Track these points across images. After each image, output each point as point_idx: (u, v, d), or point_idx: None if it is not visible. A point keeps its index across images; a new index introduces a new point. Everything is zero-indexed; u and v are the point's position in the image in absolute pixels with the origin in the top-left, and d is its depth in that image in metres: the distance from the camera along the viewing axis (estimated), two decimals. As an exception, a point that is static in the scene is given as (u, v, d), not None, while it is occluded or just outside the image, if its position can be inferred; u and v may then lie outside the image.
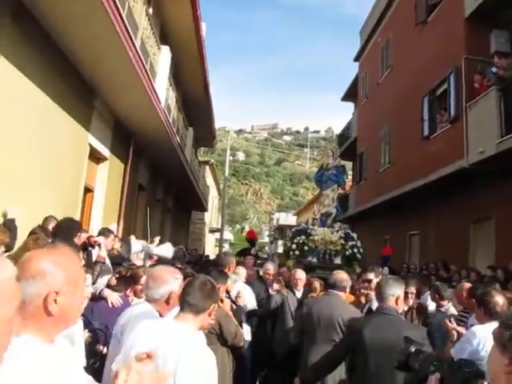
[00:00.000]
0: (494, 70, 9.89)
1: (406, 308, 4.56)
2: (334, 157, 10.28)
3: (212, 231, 38.24)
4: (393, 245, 13.69)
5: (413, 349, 1.82)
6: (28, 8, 5.14)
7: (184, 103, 14.47)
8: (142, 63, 6.98)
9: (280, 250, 47.43)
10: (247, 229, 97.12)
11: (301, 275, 5.62)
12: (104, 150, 8.54)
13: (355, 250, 9.02)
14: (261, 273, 6.52)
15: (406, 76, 14.83)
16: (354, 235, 9.39)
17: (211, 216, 36.69)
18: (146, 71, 7.23)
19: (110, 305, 3.56)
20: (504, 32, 10.87)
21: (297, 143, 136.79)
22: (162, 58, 9.00)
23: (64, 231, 4.88)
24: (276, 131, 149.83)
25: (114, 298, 3.61)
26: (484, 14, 10.68)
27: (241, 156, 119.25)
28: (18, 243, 4.41)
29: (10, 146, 5.23)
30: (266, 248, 65.87)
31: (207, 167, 28.30)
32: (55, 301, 1.22)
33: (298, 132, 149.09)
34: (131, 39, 6.20)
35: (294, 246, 8.86)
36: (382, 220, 16.80)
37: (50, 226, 5.28)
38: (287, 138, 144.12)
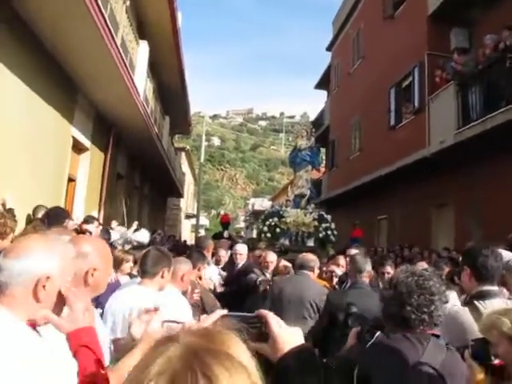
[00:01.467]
0: (453, 65, 10.57)
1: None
2: (308, 137, 9.96)
3: (188, 217, 38.59)
4: (363, 229, 14.46)
5: (353, 310, 2.45)
6: (19, 13, 5.50)
7: (160, 92, 14.76)
8: (123, 59, 7.37)
9: (254, 235, 48.24)
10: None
11: (271, 257, 5.56)
12: (85, 141, 8.91)
13: (329, 232, 8.80)
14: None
15: (375, 67, 15.45)
16: (328, 217, 9.17)
17: (187, 202, 37.01)
18: (126, 67, 7.62)
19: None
20: (463, 30, 11.58)
21: (272, 128, 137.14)
22: (141, 53, 9.37)
23: (53, 219, 5.37)
24: (251, 116, 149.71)
25: None
26: (445, 13, 11.34)
27: (216, 141, 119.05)
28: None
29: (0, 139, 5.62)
30: (242, 233, 66.67)
31: (183, 154, 28.56)
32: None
33: (273, 117, 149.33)
34: (113, 38, 6.60)
35: (265, 229, 8.70)
36: (353, 205, 17.56)
37: (40, 214, 5.75)
38: (262, 123, 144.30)
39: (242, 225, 71.37)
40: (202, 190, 34.61)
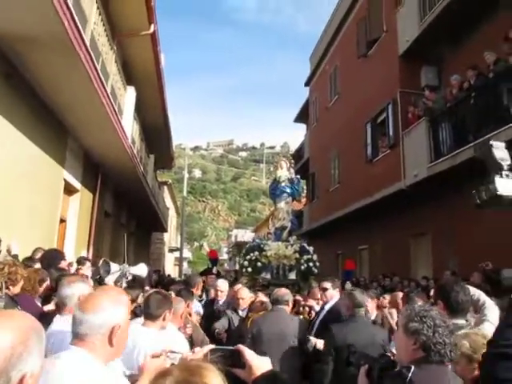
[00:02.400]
0: (425, 101, 11.24)
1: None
2: (288, 168, 9.77)
3: (171, 250, 38.55)
4: (345, 259, 14.85)
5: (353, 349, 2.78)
6: (18, 69, 5.88)
7: (145, 132, 15.18)
8: (113, 107, 7.76)
9: (237, 267, 48.16)
10: (206, 246, 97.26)
11: (243, 294, 5.50)
12: (76, 183, 9.19)
13: (311, 264, 8.60)
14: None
15: (351, 103, 16.15)
16: (310, 249, 8.97)
17: (170, 235, 37.06)
18: (115, 113, 8.01)
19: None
20: (432, 68, 12.32)
21: (253, 159, 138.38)
22: (128, 97, 9.79)
23: (49, 260, 5.67)
24: (232, 147, 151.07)
25: None
26: (415, 53, 12.10)
27: (197, 173, 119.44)
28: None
29: (2, 186, 5.91)
30: (226, 265, 66.28)
31: (165, 187, 28.84)
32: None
33: (253, 148, 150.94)
34: (105, 90, 7.00)
35: (246, 263, 8.56)
36: (335, 236, 17.97)
37: (38, 256, 6.03)
38: (243, 153, 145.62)
39: (225, 256, 71.11)
40: (184, 222, 34.74)
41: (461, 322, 2.79)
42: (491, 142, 2.92)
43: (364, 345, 3.42)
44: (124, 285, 6.74)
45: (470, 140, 9.03)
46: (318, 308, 5.23)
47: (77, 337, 1.71)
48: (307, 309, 5.38)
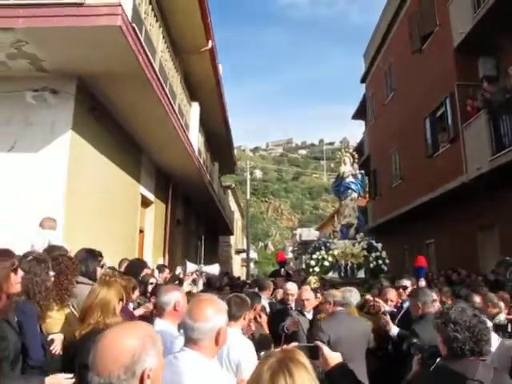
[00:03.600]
0: (483, 94, 11.13)
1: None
2: (352, 163, 9.48)
3: (238, 252, 39.63)
4: (412, 254, 14.86)
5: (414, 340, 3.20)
6: (100, 102, 6.72)
7: (208, 142, 16.00)
8: (181, 124, 8.49)
9: (304, 265, 48.39)
10: (270, 246, 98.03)
11: (308, 295, 5.38)
12: (150, 196, 10.05)
13: (380, 262, 8.33)
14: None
15: (408, 99, 16.11)
16: (379, 245, 8.69)
17: (236, 238, 38.08)
18: (183, 130, 8.75)
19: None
20: (490, 58, 12.14)
21: (313, 156, 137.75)
22: (193, 113, 10.56)
23: (134, 269, 6.41)
24: (291, 146, 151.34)
25: None
26: (470, 44, 11.94)
27: (258, 174, 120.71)
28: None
29: (94, 204, 6.77)
30: (291, 264, 66.84)
31: (229, 191, 29.79)
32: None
33: (312, 145, 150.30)
34: (173, 110, 7.73)
35: (312, 263, 8.32)
36: (400, 231, 17.93)
37: (123, 266, 6.81)
38: (303, 151, 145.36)
39: (291, 255, 71.65)
40: (249, 224, 35.61)
41: None
42: None
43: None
44: (201, 283, 7.41)
45: (531, 131, 8.98)
46: (388, 308, 5.07)
47: (191, 341, 2.22)
48: (378, 308, 5.16)
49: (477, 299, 5.00)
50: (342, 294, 4.60)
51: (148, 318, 4.48)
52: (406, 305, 4.98)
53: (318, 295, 5.67)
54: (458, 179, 11.96)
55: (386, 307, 5.03)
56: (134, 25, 5.23)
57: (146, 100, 6.81)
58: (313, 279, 7.73)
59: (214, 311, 2.25)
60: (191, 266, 8.08)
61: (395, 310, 5.11)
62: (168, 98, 7.24)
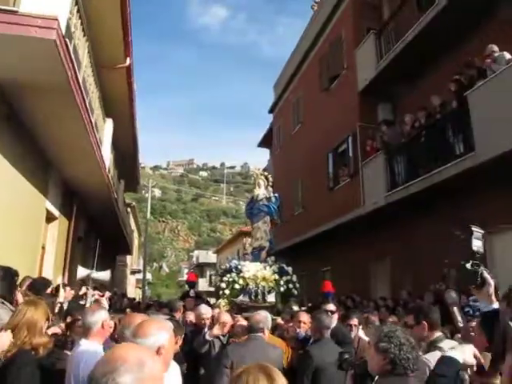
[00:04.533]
0: (381, 136, 12.29)
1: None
2: (266, 186, 9.50)
3: (133, 272, 38.39)
4: (310, 280, 15.63)
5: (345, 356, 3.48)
6: (17, 110, 6.38)
7: (117, 159, 15.59)
8: (96, 140, 8.29)
9: (202, 288, 48.10)
10: (165, 267, 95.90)
11: (225, 318, 5.29)
12: (55, 211, 9.57)
13: (290, 285, 8.42)
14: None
15: (314, 133, 17.11)
16: (289, 269, 8.78)
17: (132, 257, 36.94)
18: (98, 146, 8.54)
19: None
20: (388, 104, 13.48)
21: (213, 179, 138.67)
22: (107, 129, 10.31)
23: (37, 287, 6.12)
24: (192, 167, 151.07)
25: None
26: (372, 90, 13.20)
27: (157, 193, 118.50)
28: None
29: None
30: (186, 286, 65.88)
31: (129, 209, 28.96)
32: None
33: (214, 168, 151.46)
34: (92, 125, 7.55)
35: (223, 285, 8.20)
36: (300, 257, 18.69)
37: (25, 284, 6.44)
38: (203, 173, 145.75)
39: (185, 277, 70.51)
40: (147, 244, 34.74)
41: (438, 334, 3.44)
42: (473, 228, 3.24)
43: (334, 361, 4.05)
44: (90, 288, 7.16)
45: (420, 174, 10.07)
46: (303, 333, 5.08)
47: None
48: (292, 333, 5.21)
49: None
50: (256, 318, 4.49)
51: (60, 337, 4.33)
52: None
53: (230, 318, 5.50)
54: (355, 211, 12.93)
55: (301, 332, 5.06)
56: (66, 39, 5.13)
57: (65, 114, 6.61)
58: (223, 302, 7.68)
59: (155, 328, 2.31)
60: (82, 272, 7.76)
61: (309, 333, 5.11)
62: (88, 114, 7.09)
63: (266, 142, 26.66)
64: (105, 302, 6.60)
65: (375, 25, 13.74)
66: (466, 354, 2.31)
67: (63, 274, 10.58)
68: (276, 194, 9.51)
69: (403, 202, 10.79)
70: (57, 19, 4.75)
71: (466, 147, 8.82)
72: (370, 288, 13.37)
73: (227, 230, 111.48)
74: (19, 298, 4.90)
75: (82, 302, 6.83)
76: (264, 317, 4.49)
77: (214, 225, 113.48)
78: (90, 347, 3.28)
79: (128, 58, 11.87)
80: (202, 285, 48.68)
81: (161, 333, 2.30)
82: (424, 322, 3.39)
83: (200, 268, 54.54)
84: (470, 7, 9.38)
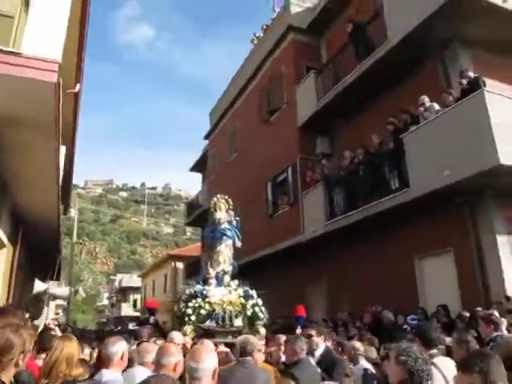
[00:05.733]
0: (322, 168, 13.27)
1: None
2: (227, 210, 9.40)
3: (54, 298, 36.57)
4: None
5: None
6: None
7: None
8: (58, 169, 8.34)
9: (126, 313, 46.73)
10: (81, 291, 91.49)
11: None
12: (4, 238, 9.35)
13: (257, 309, 8.42)
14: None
15: (252, 161, 17.79)
16: (254, 293, 8.83)
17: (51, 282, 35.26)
18: (58, 176, 8.58)
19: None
20: (326, 138, 14.60)
21: (133, 199, 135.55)
22: (61, 156, 10.29)
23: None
24: (111, 187, 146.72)
25: None
26: (312, 124, 14.26)
27: (73, 213, 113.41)
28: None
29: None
30: (107, 311, 63.33)
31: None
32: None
33: (134, 188, 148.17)
34: (59, 155, 7.67)
35: (189, 311, 8.04)
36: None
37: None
38: (123, 194, 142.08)
39: (106, 302, 67.75)
40: (71, 269, 33.41)
41: (433, 351, 3.99)
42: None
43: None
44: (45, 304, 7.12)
45: (359, 205, 11.10)
46: (282, 356, 5.17)
47: (194, 379, 2.71)
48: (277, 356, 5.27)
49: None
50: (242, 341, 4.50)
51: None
52: (317, 353, 5.40)
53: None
54: (295, 238, 13.73)
55: (283, 357, 5.13)
56: (60, 80, 5.37)
57: (40, 145, 6.69)
58: (188, 328, 7.87)
59: (208, 354, 2.80)
60: (40, 285, 7.70)
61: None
62: (59, 146, 7.22)
63: (198, 166, 27.15)
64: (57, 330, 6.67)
65: (314, 64, 14.94)
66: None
67: (7, 300, 10.26)
68: (237, 218, 9.45)
69: (342, 230, 11.75)
70: (58, 62, 5.00)
71: (400, 183, 9.96)
72: (308, 310, 14.09)
73: (148, 252, 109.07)
74: None
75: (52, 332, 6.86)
76: (253, 340, 4.53)
77: (134, 247, 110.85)
78: (112, 377, 3.59)
79: (78, 84, 11.95)
80: (126, 310, 47.35)
81: (214, 357, 2.80)
82: (418, 340, 4.01)
83: (122, 292, 52.99)
84: (403, 57, 10.68)
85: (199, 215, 24.51)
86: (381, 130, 11.16)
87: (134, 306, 47.13)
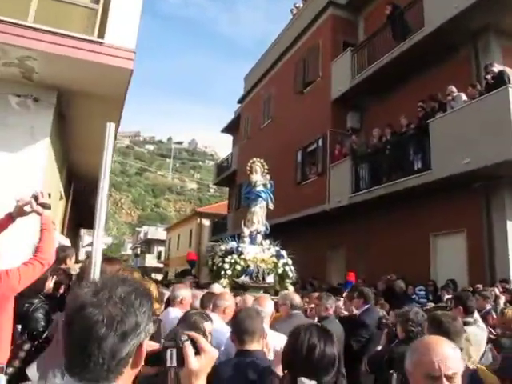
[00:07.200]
0: (351, 143, 14.01)
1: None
2: (262, 173, 9.62)
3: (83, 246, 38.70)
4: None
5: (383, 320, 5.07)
6: (67, 111, 7.45)
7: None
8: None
9: (150, 264, 48.73)
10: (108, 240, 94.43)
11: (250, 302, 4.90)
12: (62, 191, 10.60)
13: (287, 268, 8.87)
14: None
15: (284, 129, 18.54)
16: (284, 253, 9.19)
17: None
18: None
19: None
20: (356, 113, 15.23)
21: (159, 153, 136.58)
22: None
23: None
24: (138, 139, 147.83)
25: None
26: (344, 100, 14.91)
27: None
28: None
29: None
30: (130, 261, 65.60)
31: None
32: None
33: (160, 142, 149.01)
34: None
35: (226, 266, 8.47)
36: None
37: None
38: (150, 147, 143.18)
39: (130, 252, 69.87)
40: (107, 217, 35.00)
41: (469, 319, 4.45)
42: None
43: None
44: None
45: (383, 181, 11.90)
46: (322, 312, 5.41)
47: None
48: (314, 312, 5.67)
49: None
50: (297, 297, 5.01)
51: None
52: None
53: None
54: (320, 206, 14.66)
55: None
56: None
57: (106, 114, 7.67)
58: (224, 282, 8.27)
59: (270, 302, 3.95)
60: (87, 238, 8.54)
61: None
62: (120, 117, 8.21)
63: (230, 128, 27.94)
64: None
65: (351, 39, 15.45)
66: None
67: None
68: (271, 181, 9.71)
69: (364, 203, 12.63)
70: (135, 52, 5.91)
71: (423, 165, 10.71)
72: (326, 274, 15.22)
73: (171, 206, 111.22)
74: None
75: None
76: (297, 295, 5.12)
77: (159, 200, 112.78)
78: (173, 313, 4.65)
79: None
80: (150, 261, 49.41)
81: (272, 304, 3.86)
82: (460, 307, 4.61)
83: (147, 243, 55.10)
84: (438, 45, 11.20)
85: (229, 176, 25.55)
86: (408, 112, 11.81)
87: (158, 257, 49.23)
